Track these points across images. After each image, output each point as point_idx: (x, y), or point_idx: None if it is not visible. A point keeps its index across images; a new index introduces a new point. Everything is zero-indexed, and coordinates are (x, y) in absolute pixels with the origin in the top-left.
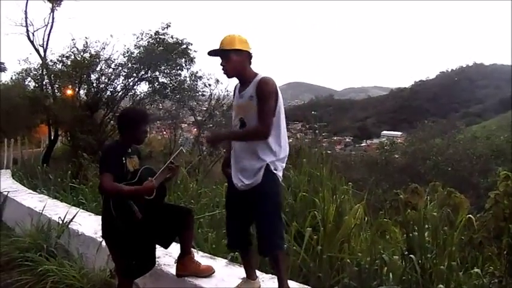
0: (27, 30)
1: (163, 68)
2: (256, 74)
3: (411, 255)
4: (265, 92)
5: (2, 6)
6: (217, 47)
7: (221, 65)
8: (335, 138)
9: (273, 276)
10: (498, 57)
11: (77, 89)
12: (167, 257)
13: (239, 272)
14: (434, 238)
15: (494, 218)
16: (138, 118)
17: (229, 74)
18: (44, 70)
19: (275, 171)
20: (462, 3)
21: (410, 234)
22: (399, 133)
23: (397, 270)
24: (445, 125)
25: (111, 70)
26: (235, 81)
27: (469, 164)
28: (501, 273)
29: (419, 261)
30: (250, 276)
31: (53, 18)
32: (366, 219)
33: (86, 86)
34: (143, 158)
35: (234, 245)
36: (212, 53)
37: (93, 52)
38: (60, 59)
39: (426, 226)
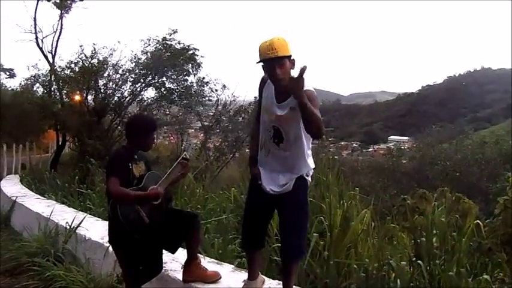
0: (36, 37)
1: (170, 73)
2: None
3: (419, 261)
4: (314, 101)
5: (12, 13)
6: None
7: (274, 74)
8: (342, 143)
9: (280, 282)
10: (506, 61)
11: (84, 95)
12: (174, 262)
13: (245, 277)
14: (442, 244)
15: (504, 224)
16: (147, 126)
17: (283, 82)
18: (53, 76)
19: (306, 177)
20: (469, 7)
21: (418, 240)
22: (406, 138)
23: (405, 277)
24: (452, 130)
25: (118, 76)
26: (240, 86)
27: (477, 169)
28: (511, 280)
29: (428, 268)
30: (252, 276)
31: (61, 25)
32: (373, 224)
33: (93, 92)
34: (151, 164)
35: (251, 246)
36: (263, 60)
37: (100, 58)
38: (68, 65)
39: (434, 232)
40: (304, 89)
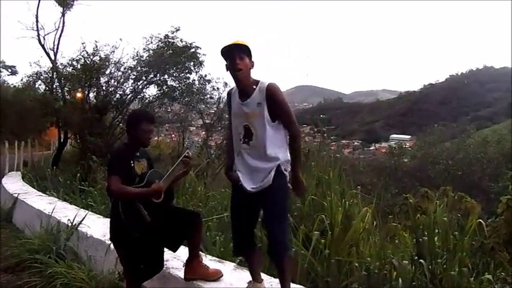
0: (38, 34)
1: (172, 71)
2: (257, 81)
3: (421, 260)
4: (279, 96)
5: (14, 10)
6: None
7: (234, 63)
8: (343, 141)
9: None
10: (509, 60)
11: (86, 92)
12: (175, 260)
13: (247, 275)
14: (444, 243)
15: (506, 224)
16: (137, 117)
17: (243, 73)
18: (54, 73)
19: (285, 172)
20: (472, 6)
21: (420, 239)
22: (408, 137)
23: (407, 275)
24: (454, 129)
25: (120, 73)
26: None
27: (479, 168)
28: None
29: (429, 267)
30: (256, 279)
31: (63, 22)
32: (375, 223)
33: (95, 89)
34: (153, 161)
35: (241, 250)
36: (225, 51)
37: (102, 55)
38: (70, 62)
39: (436, 231)
40: (266, 83)
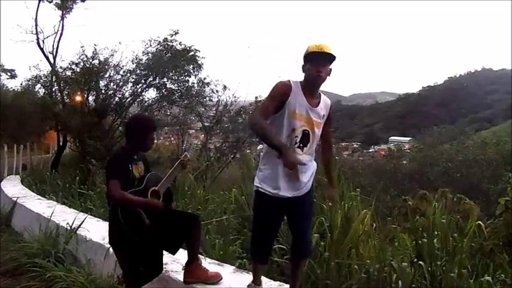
0: (38, 38)
1: (171, 74)
2: (320, 93)
3: (420, 262)
4: (333, 115)
5: (13, 14)
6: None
7: (321, 67)
8: (342, 144)
9: (281, 283)
10: (507, 62)
11: (85, 96)
12: (175, 263)
13: (247, 278)
14: (443, 245)
15: (505, 225)
16: (146, 126)
17: (323, 80)
18: (54, 77)
19: None
20: (470, 8)
21: (420, 241)
22: (407, 139)
23: (406, 278)
24: (453, 131)
25: (119, 77)
26: (241, 86)
27: (478, 170)
28: None
29: (429, 269)
30: (256, 282)
31: (62, 26)
32: (374, 225)
33: (94, 93)
34: (151, 164)
35: (266, 259)
36: (312, 55)
37: (102, 59)
38: (69, 66)
39: (435, 233)
40: (328, 100)
